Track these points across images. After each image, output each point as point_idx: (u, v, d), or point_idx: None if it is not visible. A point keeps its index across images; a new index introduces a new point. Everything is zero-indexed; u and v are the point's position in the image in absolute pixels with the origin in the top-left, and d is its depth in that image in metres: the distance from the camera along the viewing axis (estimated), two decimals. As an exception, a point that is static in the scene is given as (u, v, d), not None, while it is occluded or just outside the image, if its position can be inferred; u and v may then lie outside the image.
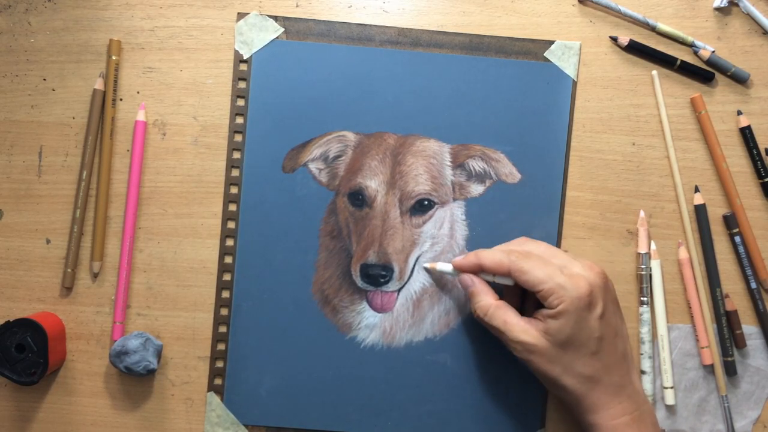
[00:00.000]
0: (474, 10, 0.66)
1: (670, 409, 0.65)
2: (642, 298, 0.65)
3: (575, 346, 0.57)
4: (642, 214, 0.65)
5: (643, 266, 0.65)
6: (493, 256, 0.59)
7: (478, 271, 0.61)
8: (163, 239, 0.65)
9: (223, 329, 0.65)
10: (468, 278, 0.61)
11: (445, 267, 0.63)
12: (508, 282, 0.60)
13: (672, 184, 0.66)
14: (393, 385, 0.65)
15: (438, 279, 0.65)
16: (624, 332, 0.61)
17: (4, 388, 0.65)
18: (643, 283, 0.65)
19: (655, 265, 0.65)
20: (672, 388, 0.65)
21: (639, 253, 0.65)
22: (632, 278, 0.66)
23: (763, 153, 0.66)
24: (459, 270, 0.62)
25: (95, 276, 0.65)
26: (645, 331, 0.65)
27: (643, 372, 0.65)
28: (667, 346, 0.65)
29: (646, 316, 0.65)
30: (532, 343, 0.57)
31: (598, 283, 0.58)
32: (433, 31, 0.65)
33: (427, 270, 0.65)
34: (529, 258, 0.58)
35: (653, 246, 0.65)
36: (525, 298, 0.63)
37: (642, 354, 0.65)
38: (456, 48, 0.65)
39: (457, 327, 0.65)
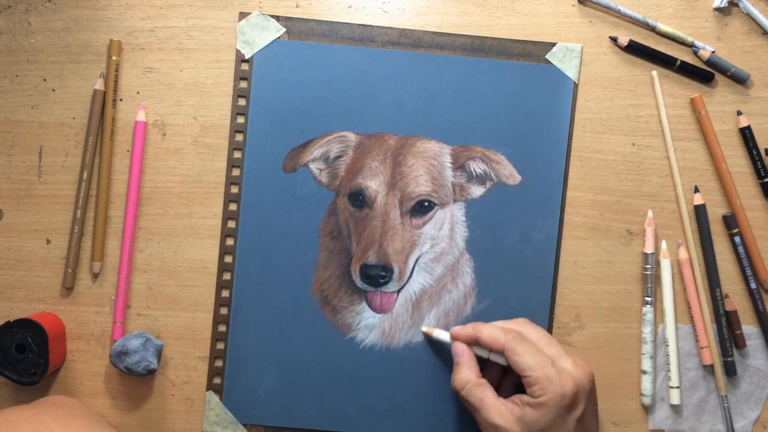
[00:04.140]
0: (474, 11, 0.66)
1: (675, 409, 0.65)
2: (646, 298, 0.65)
3: None
4: (650, 214, 0.65)
5: (648, 266, 0.65)
6: (491, 331, 0.59)
7: (474, 343, 0.61)
8: (163, 239, 0.65)
9: (222, 328, 0.65)
10: (460, 348, 0.61)
11: (442, 335, 0.63)
12: (502, 361, 0.59)
13: (672, 185, 0.66)
14: (392, 386, 0.65)
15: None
16: None
17: (5, 388, 0.65)
18: (648, 283, 0.65)
19: (666, 265, 0.65)
20: (678, 387, 0.65)
21: (645, 253, 0.65)
22: (632, 278, 0.66)
23: (763, 153, 0.65)
24: (455, 339, 0.62)
25: (95, 276, 0.65)
26: (648, 331, 0.65)
27: (644, 372, 0.65)
28: (674, 345, 0.65)
29: (649, 316, 0.65)
30: (505, 427, 0.57)
31: (584, 385, 0.58)
32: (434, 32, 0.65)
33: (424, 334, 0.65)
34: (524, 342, 0.58)
35: (663, 245, 0.65)
36: (504, 376, 0.63)
37: (644, 354, 0.65)
38: (457, 49, 0.65)
39: (457, 327, 0.65)
